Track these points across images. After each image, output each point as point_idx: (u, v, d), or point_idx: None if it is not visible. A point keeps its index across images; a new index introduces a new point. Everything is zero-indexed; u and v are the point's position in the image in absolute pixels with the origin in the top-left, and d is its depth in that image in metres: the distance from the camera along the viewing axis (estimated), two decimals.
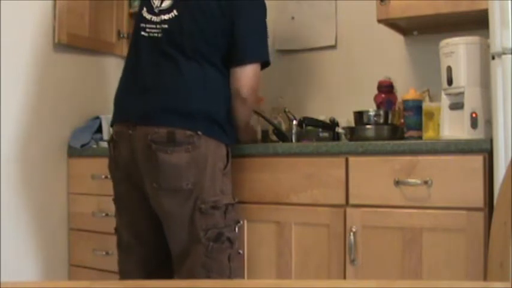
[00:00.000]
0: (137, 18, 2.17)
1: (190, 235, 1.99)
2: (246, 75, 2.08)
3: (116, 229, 2.19)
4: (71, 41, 2.79)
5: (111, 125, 2.16)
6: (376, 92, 2.54)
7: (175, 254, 2.04)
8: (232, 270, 2.04)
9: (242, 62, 2.08)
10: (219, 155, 2.04)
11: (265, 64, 2.15)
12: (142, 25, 2.11)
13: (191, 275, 1.97)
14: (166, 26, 2.06)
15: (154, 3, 2.11)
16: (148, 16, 2.11)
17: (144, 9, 2.13)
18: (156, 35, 2.07)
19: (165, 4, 2.08)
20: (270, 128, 2.63)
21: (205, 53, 2.04)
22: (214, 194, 2.01)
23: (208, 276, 1.97)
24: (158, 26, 2.07)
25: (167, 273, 2.11)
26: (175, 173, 1.97)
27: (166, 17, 2.07)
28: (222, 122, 2.06)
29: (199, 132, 1.97)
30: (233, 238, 2.05)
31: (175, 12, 2.06)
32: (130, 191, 2.09)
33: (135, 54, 2.13)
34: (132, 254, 2.14)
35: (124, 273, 2.17)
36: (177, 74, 2.02)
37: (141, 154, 1.99)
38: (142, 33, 2.10)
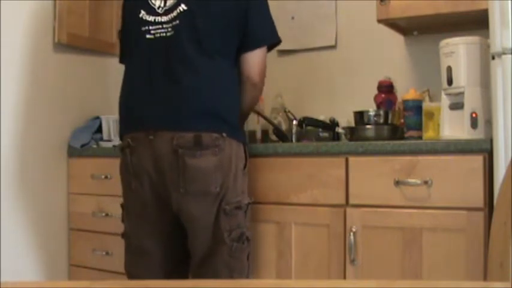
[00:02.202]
0: (133, 23, 2.07)
1: (214, 236, 1.97)
2: (257, 60, 2.08)
3: (123, 234, 2.11)
4: (71, 41, 2.79)
5: (122, 134, 2.07)
6: (376, 92, 2.54)
7: (198, 256, 2.01)
8: (250, 269, 2.04)
9: (253, 47, 2.07)
10: (240, 156, 2.02)
11: (274, 44, 2.16)
12: (145, 28, 2.03)
13: (215, 275, 1.96)
14: (177, 22, 1.99)
15: (155, 4, 2.03)
16: (150, 18, 2.03)
17: (142, 12, 2.04)
18: (165, 34, 2.00)
19: (170, 2, 2.02)
20: (270, 128, 2.64)
21: (219, 44, 2.01)
22: (237, 194, 2.00)
23: (231, 276, 1.96)
24: (165, 26, 2.00)
25: (183, 274, 2.09)
26: (204, 177, 1.94)
27: (174, 13, 2.01)
28: (238, 121, 2.07)
29: (224, 134, 1.95)
30: (251, 237, 2.05)
31: (183, 6, 2.00)
32: (150, 197, 2.01)
33: (142, 58, 2.04)
34: (149, 258, 2.07)
35: (139, 278, 2.08)
36: (194, 74, 1.97)
37: (165, 159, 1.94)
38: (148, 36, 2.02)
